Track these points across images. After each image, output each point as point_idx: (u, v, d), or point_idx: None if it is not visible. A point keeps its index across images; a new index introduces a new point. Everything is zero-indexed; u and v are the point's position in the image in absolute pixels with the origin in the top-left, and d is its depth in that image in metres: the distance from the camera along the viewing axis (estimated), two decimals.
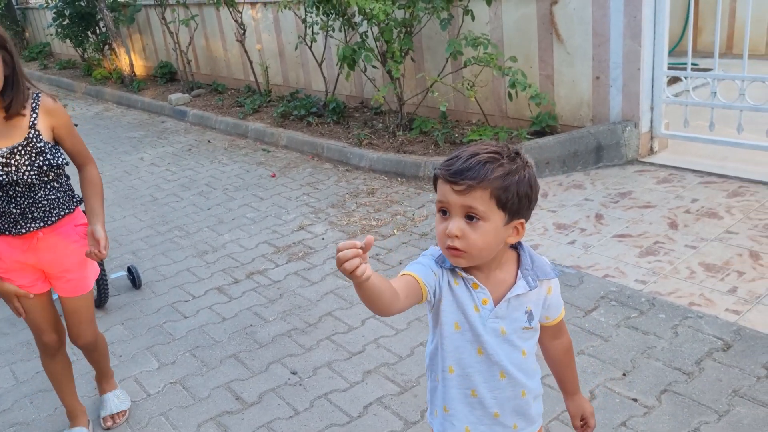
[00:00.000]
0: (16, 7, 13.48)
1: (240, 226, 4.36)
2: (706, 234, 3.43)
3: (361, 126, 5.84)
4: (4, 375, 2.98)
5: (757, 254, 3.18)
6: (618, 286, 3.07)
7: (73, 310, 2.35)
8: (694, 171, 4.23)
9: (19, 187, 2.12)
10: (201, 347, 3.02)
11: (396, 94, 5.35)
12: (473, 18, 4.94)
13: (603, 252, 3.40)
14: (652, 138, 4.58)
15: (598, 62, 4.54)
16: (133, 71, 9.29)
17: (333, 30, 5.64)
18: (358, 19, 5.33)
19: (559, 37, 4.70)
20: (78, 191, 2.34)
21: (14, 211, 2.14)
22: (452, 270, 1.38)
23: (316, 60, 6.30)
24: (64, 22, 9.49)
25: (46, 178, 2.16)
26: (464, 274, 1.37)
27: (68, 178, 2.30)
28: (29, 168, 2.09)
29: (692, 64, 4.44)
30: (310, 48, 6.19)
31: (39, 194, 2.16)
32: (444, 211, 1.32)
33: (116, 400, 2.59)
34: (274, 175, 5.30)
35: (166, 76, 9.07)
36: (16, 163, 2.07)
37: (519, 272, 1.39)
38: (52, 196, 2.20)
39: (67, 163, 2.22)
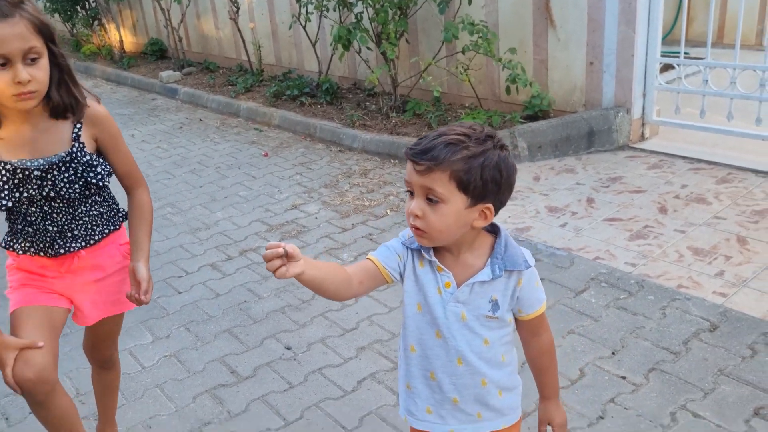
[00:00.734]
0: None
1: (233, 204, 4.36)
2: (694, 219, 3.49)
3: (354, 107, 5.84)
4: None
5: (744, 239, 3.24)
6: (608, 268, 3.12)
7: (109, 329, 2.07)
8: (684, 157, 4.29)
9: (55, 202, 1.79)
10: (195, 322, 3.04)
11: (390, 75, 5.35)
12: (470, 2, 4.94)
13: (594, 235, 3.45)
14: (643, 124, 4.62)
15: (592, 48, 4.56)
16: (123, 48, 9.20)
17: (327, 10, 5.61)
18: None
19: (552, 23, 4.71)
20: (123, 204, 2.01)
21: (51, 228, 1.82)
22: (419, 251, 1.39)
23: (309, 40, 6.27)
24: None
25: (87, 192, 1.83)
26: (430, 257, 1.37)
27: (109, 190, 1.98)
28: (70, 185, 1.77)
29: (684, 53, 4.48)
30: (304, 28, 6.15)
31: (80, 210, 1.84)
32: (411, 191, 1.33)
33: None
34: (266, 155, 5.30)
35: (156, 53, 8.97)
36: (53, 179, 1.74)
37: (489, 259, 1.36)
38: (95, 212, 1.88)
39: (110, 174, 1.88)
